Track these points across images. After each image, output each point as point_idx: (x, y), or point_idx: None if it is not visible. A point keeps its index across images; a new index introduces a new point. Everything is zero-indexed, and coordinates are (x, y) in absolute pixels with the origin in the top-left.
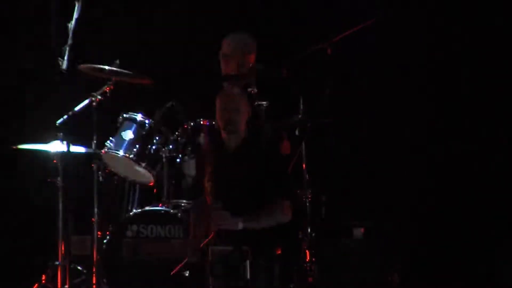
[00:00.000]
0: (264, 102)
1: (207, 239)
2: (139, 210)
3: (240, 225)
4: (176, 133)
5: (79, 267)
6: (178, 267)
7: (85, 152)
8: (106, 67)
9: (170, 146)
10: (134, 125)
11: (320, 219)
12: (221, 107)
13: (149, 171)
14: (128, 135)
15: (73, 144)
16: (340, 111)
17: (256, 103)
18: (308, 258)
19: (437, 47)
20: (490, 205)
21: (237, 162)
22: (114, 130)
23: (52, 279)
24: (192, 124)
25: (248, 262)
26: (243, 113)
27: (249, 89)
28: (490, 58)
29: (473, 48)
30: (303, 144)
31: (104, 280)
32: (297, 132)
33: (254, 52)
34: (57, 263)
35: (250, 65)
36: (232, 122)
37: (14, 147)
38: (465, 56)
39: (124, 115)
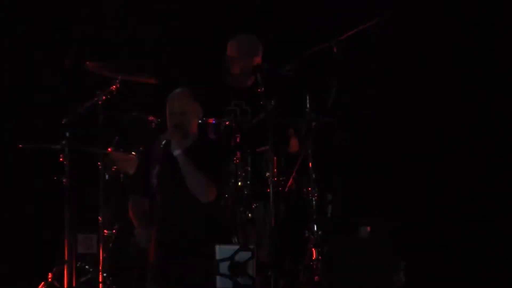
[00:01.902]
0: (271, 101)
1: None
2: None
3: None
4: None
5: (85, 266)
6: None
7: (91, 151)
8: (112, 65)
9: None
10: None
11: (326, 218)
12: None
13: None
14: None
15: (79, 143)
16: (346, 109)
17: (262, 102)
18: (314, 256)
19: (442, 46)
20: (495, 204)
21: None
22: (120, 128)
23: (59, 277)
24: (198, 122)
25: (254, 260)
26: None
27: (255, 88)
28: (494, 58)
29: (477, 48)
30: (310, 142)
31: (111, 279)
32: (303, 131)
33: (260, 54)
34: (63, 261)
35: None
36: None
37: (21, 145)
38: (470, 55)
39: (131, 114)
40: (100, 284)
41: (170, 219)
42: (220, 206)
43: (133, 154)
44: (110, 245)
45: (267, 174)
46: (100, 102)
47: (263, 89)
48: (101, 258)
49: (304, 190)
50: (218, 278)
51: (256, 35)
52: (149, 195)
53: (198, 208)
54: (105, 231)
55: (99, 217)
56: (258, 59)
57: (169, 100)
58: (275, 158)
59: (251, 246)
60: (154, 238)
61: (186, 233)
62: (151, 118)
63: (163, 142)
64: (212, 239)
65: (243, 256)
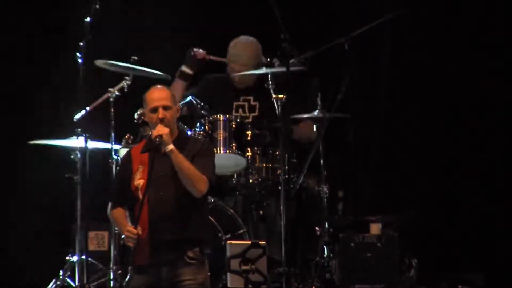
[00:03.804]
0: (282, 97)
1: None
2: None
3: (171, 146)
4: (193, 128)
5: (96, 263)
6: None
7: (103, 148)
8: (124, 64)
9: None
10: None
11: (337, 215)
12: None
13: None
14: (147, 130)
15: (91, 140)
16: (357, 106)
17: (273, 98)
18: (325, 254)
19: (453, 44)
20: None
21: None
22: (132, 125)
23: (70, 274)
24: (209, 119)
25: (266, 257)
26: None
27: (266, 85)
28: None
29: (491, 48)
30: (321, 139)
31: (126, 279)
32: (314, 127)
33: (260, 55)
34: (74, 258)
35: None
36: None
37: (32, 142)
38: (483, 54)
39: (144, 111)
40: (111, 281)
41: (160, 217)
42: (208, 204)
43: None
44: (121, 242)
45: (279, 171)
46: (111, 99)
47: (274, 85)
48: (112, 255)
49: (315, 187)
50: (229, 275)
51: (265, 33)
52: (128, 203)
53: (190, 204)
54: (116, 228)
55: None
56: (258, 60)
57: (151, 95)
58: (286, 155)
59: (262, 243)
60: (141, 237)
61: (179, 231)
62: None
63: (157, 138)
64: (204, 235)
65: (254, 253)
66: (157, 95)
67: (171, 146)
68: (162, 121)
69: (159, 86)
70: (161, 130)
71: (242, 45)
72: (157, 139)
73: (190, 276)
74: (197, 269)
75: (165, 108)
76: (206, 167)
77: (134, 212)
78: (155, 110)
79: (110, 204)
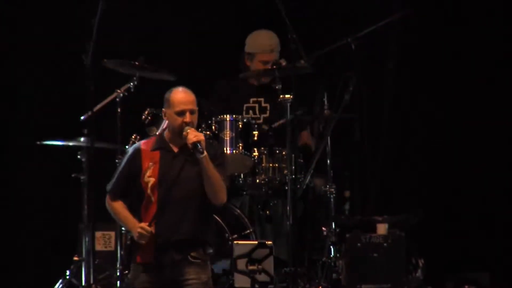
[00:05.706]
0: (289, 97)
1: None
2: None
3: (205, 153)
4: (200, 128)
5: (103, 263)
6: None
7: (109, 147)
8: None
9: None
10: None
11: (344, 215)
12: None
13: None
14: (153, 130)
15: (97, 140)
16: (364, 106)
17: (280, 98)
18: (332, 254)
19: (459, 44)
20: None
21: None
22: (139, 125)
23: (76, 274)
24: (216, 119)
25: (272, 257)
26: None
27: (274, 85)
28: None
29: (497, 47)
30: (328, 139)
31: (128, 276)
32: (321, 128)
33: (278, 49)
34: (81, 258)
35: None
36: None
37: (39, 142)
38: (489, 53)
39: (151, 111)
40: (118, 281)
41: (168, 217)
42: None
43: None
44: (128, 242)
45: (285, 171)
46: (118, 99)
47: (280, 86)
48: (118, 255)
49: (322, 187)
50: (236, 275)
51: (274, 32)
52: (129, 198)
53: (198, 206)
54: (123, 228)
55: None
56: (276, 54)
57: (177, 96)
58: (293, 155)
59: (269, 243)
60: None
61: (185, 232)
62: None
63: (198, 143)
64: (209, 236)
65: (261, 253)
66: (185, 98)
67: (205, 153)
68: (187, 125)
69: (182, 88)
70: (199, 135)
71: (266, 34)
72: (199, 145)
73: (194, 275)
74: (200, 268)
75: (192, 112)
76: (223, 174)
77: (141, 210)
78: (181, 113)
79: (110, 195)
